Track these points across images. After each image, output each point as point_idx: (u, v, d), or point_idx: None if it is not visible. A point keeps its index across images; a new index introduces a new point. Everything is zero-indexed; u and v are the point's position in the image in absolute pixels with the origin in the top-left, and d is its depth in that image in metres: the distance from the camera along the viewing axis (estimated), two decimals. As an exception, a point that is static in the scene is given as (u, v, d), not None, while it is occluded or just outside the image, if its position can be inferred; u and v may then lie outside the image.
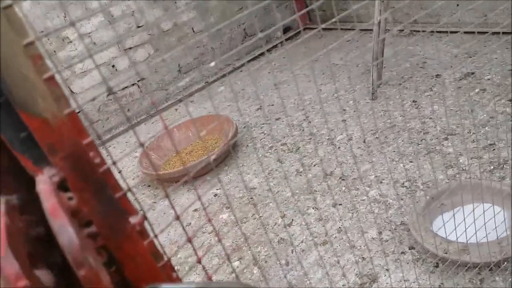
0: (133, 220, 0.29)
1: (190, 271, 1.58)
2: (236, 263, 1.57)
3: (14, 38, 0.23)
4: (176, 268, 0.37)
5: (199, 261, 0.38)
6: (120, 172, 0.31)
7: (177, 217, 0.38)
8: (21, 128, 0.26)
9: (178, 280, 0.33)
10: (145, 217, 0.31)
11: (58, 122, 0.26)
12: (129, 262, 0.30)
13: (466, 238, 1.20)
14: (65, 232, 0.22)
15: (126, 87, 2.98)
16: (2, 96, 0.25)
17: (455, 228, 1.22)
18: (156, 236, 0.30)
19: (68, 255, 0.22)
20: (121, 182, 0.32)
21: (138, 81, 3.01)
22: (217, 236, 1.67)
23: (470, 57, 2.31)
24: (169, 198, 0.38)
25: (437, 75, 2.27)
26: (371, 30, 2.50)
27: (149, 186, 2.24)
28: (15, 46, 0.23)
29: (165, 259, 0.31)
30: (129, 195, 0.31)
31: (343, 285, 1.35)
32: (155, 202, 2.08)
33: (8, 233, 0.23)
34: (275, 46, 3.44)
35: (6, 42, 0.23)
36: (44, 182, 0.25)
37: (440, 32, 2.64)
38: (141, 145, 0.33)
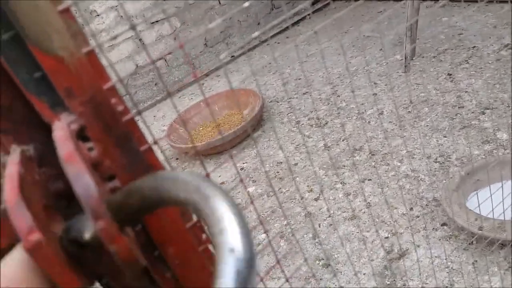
0: (160, 175, 0.27)
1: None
2: (262, 236, 1.56)
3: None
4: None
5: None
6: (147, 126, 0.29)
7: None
8: (35, 68, 0.23)
9: (208, 242, 0.31)
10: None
11: (75, 62, 0.23)
12: (154, 221, 0.28)
13: (504, 215, 1.15)
14: (82, 179, 0.20)
15: (154, 61, 2.97)
16: (12, 29, 0.22)
17: (492, 204, 1.17)
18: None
19: (85, 205, 0.20)
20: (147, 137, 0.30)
21: (165, 55, 3.00)
22: (252, 205, 1.67)
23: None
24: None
25: (474, 46, 2.16)
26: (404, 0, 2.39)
27: (176, 159, 2.24)
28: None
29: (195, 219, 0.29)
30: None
31: (371, 260, 1.33)
32: (182, 175, 2.08)
33: (22, 183, 0.21)
34: (303, 18, 3.35)
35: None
36: (61, 129, 0.23)
37: (477, 2, 2.50)
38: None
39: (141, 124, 0.27)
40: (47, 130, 0.25)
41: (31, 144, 0.25)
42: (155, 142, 0.28)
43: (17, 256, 0.21)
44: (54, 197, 0.24)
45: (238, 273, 0.18)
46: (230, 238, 0.19)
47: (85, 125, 0.24)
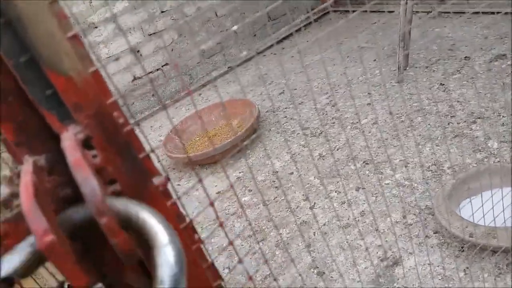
0: (156, 180, 0.30)
1: (212, 234, 1.60)
2: (258, 245, 1.58)
3: (39, -5, 0.24)
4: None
5: (231, 243, 0.39)
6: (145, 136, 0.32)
7: (211, 203, 0.40)
8: (47, 86, 0.26)
9: (199, 242, 0.33)
10: (168, 179, 0.31)
11: (82, 81, 0.27)
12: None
13: (494, 222, 1.17)
14: (88, 183, 0.23)
15: (150, 72, 3.01)
16: (28, 53, 0.25)
17: (483, 211, 1.20)
18: (179, 197, 0.31)
19: (90, 204, 0.23)
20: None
21: (162, 66, 3.04)
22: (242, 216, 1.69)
23: (501, 38, 2.23)
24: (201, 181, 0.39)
25: (466, 57, 2.20)
26: (398, 11, 2.43)
27: (173, 169, 2.27)
28: (41, 3, 0.24)
29: (187, 221, 0.32)
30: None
31: (365, 268, 1.35)
32: (179, 184, 2.11)
33: (36, 190, 0.24)
34: (298, 30, 3.40)
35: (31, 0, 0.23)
36: (69, 139, 0.26)
37: (469, 13, 2.55)
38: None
39: (139, 134, 0.30)
40: (56, 141, 0.28)
41: (42, 154, 0.27)
42: (152, 151, 0.31)
43: None
44: (63, 203, 0.27)
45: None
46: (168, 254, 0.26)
47: (90, 135, 0.27)
